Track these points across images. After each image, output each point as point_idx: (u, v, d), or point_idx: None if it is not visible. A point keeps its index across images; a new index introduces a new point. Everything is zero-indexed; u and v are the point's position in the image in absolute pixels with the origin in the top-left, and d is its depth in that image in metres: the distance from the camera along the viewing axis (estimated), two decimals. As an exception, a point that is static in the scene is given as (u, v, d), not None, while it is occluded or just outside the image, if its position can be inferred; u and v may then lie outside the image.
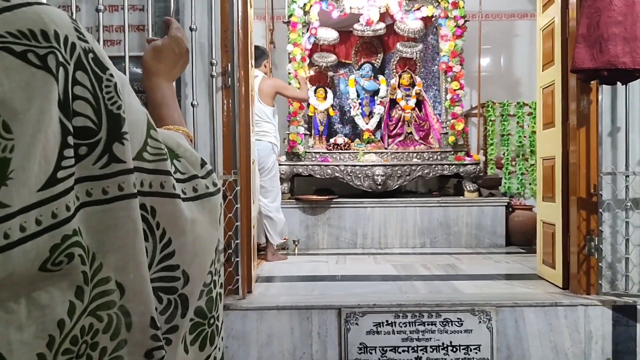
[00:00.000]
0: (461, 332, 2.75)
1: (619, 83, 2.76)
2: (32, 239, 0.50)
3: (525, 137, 5.61)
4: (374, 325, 2.75)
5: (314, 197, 4.90)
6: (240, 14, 2.86)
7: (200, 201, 0.73)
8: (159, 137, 0.68)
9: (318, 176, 5.04)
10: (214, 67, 2.77)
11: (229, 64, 2.85)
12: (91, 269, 0.56)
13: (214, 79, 2.79)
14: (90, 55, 0.57)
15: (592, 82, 2.83)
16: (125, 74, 2.29)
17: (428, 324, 2.75)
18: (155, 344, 0.61)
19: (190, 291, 0.69)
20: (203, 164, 0.78)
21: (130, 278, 0.59)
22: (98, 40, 2.29)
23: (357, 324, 2.75)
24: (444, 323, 2.76)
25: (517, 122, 5.64)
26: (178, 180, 0.70)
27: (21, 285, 0.50)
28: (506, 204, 4.96)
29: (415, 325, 2.75)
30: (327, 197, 4.88)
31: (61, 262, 0.52)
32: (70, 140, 0.54)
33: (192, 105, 2.69)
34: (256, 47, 4.28)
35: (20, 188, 0.49)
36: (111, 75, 0.59)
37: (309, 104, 5.30)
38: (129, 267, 0.59)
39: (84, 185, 0.56)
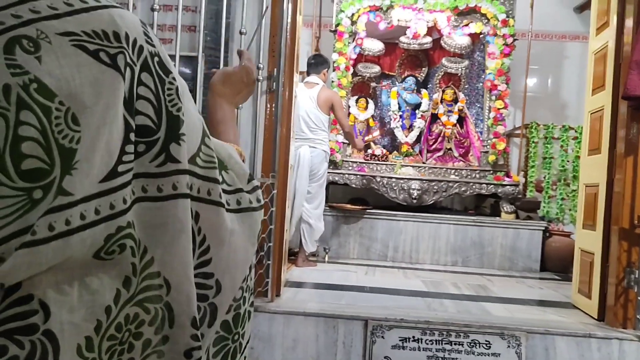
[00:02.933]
0: (489, 355, 2.69)
1: (672, 113, 2.68)
2: (90, 227, 0.52)
3: (568, 161, 5.47)
4: (400, 340, 2.73)
5: (348, 206, 4.89)
6: (289, 20, 2.89)
7: (242, 214, 0.74)
8: (212, 145, 0.70)
9: (354, 185, 5.04)
10: (260, 71, 2.81)
11: (275, 69, 2.88)
12: (141, 262, 0.58)
13: (259, 83, 2.82)
14: (156, 58, 0.60)
15: (643, 110, 2.75)
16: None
17: (455, 344, 2.71)
18: (195, 344, 0.62)
19: (220, 302, 0.69)
20: (250, 179, 0.79)
21: (176, 276, 0.61)
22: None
23: (383, 337, 2.73)
24: (472, 344, 2.71)
25: (561, 146, 5.51)
26: (224, 191, 0.71)
27: (75, 270, 0.53)
28: (544, 228, 4.85)
29: (442, 344, 2.71)
30: (361, 207, 4.87)
31: (113, 251, 0.55)
32: (132, 136, 0.57)
33: (237, 107, 2.72)
34: (319, 55, 4.34)
35: (84, 178, 0.51)
36: (173, 78, 0.62)
37: (349, 113, 5.32)
38: (176, 265, 0.60)
39: (140, 181, 0.58)
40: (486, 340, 2.70)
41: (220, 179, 0.71)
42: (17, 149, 0.48)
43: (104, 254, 0.54)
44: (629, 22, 2.88)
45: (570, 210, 5.38)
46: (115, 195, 0.54)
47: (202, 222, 0.66)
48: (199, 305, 0.66)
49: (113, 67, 0.54)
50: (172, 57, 2.38)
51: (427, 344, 2.72)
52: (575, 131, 5.44)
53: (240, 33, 2.70)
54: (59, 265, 0.51)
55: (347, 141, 5.10)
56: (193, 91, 2.56)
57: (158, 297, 0.60)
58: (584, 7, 6.01)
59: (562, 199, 5.43)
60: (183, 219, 0.61)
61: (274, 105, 2.91)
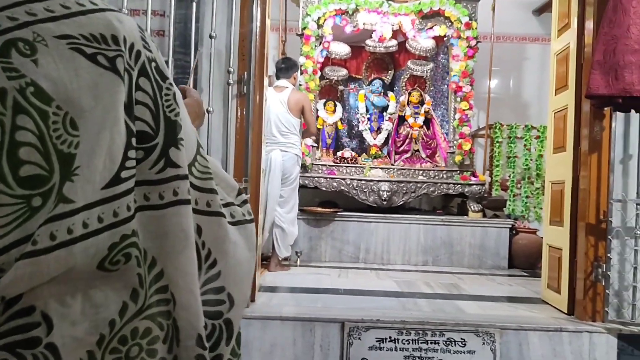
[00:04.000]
0: (464, 353, 2.73)
1: (632, 111, 2.77)
2: (93, 235, 0.50)
3: (531, 160, 5.62)
4: (376, 341, 2.74)
5: (319, 209, 4.89)
6: (258, 24, 2.88)
7: (238, 227, 0.73)
8: (206, 157, 0.68)
9: (324, 189, 5.04)
10: (230, 74, 2.79)
11: (245, 73, 2.87)
12: (150, 273, 0.56)
13: (230, 87, 2.80)
14: (154, 64, 0.59)
15: (606, 108, 2.84)
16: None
17: (431, 343, 2.74)
18: None
19: (234, 316, 0.67)
20: (239, 193, 0.78)
21: (180, 291, 0.58)
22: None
23: (359, 338, 2.74)
24: (448, 342, 2.74)
25: (524, 145, 5.66)
26: None
27: (79, 282, 0.51)
28: (510, 226, 4.96)
29: (418, 343, 2.73)
30: (332, 210, 4.88)
31: (118, 261, 0.53)
32: (134, 142, 0.55)
33: (208, 111, 2.69)
34: (287, 59, 4.33)
35: (85, 185, 0.50)
36: (171, 84, 0.61)
37: (317, 117, 5.33)
38: (180, 279, 0.58)
39: (142, 188, 0.56)
40: (461, 338, 2.74)
41: (218, 189, 0.69)
42: (15, 154, 0.46)
43: (109, 264, 0.52)
44: (590, 24, 2.97)
45: (534, 207, 5.52)
46: (119, 202, 0.53)
47: (205, 236, 0.64)
48: (214, 323, 0.63)
49: (112, 70, 0.53)
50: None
51: (404, 343, 2.74)
52: (538, 130, 5.60)
53: (210, 37, 2.68)
54: (61, 276, 0.49)
55: (315, 144, 5.13)
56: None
57: (167, 313, 0.57)
58: (542, 10, 6.20)
59: (527, 196, 5.57)
60: (186, 227, 0.59)
61: (245, 109, 2.89)
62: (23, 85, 0.47)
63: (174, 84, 0.61)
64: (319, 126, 5.39)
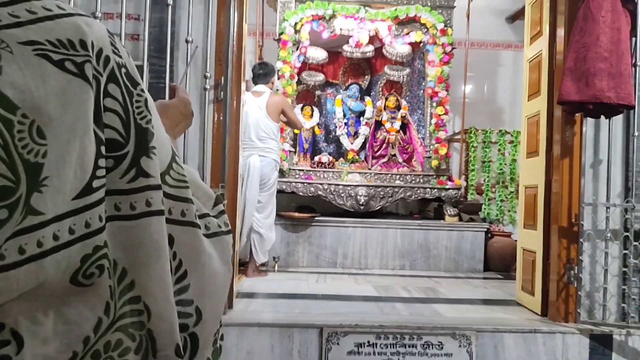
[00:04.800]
0: (442, 356, 2.75)
1: (602, 117, 2.84)
2: (64, 247, 0.49)
3: (505, 164, 5.71)
4: (355, 346, 2.74)
5: (296, 214, 4.89)
6: (235, 28, 2.87)
7: (213, 239, 0.71)
8: (182, 165, 0.67)
9: (301, 193, 5.04)
10: (207, 80, 2.78)
11: (222, 78, 2.85)
12: (120, 284, 0.55)
13: (206, 92, 2.78)
14: (124, 69, 0.57)
15: (577, 114, 2.90)
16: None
17: (409, 346, 2.75)
18: None
19: (201, 330, 0.65)
20: (216, 203, 0.77)
21: (156, 301, 0.57)
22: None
23: (338, 343, 2.74)
24: (425, 346, 2.76)
25: (499, 150, 5.75)
26: None
27: (52, 298, 0.49)
28: (485, 229, 5.02)
29: (396, 347, 2.75)
30: (309, 214, 4.88)
31: (92, 274, 0.51)
32: (103, 150, 0.53)
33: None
34: (265, 64, 4.33)
35: (55, 195, 0.48)
36: (142, 90, 0.59)
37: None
38: (155, 289, 0.57)
39: (112, 198, 0.55)
40: (439, 341, 2.76)
41: (194, 200, 0.67)
42: None
43: (82, 277, 0.50)
44: (561, 32, 3.04)
45: (509, 211, 5.60)
46: (91, 213, 0.51)
47: (177, 246, 0.62)
48: (179, 335, 0.62)
49: (80, 76, 0.51)
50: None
51: (382, 347, 2.75)
52: (511, 135, 5.69)
53: (186, 42, 2.67)
54: (33, 292, 0.48)
55: (292, 149, 5.15)
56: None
57: (140, 324, 0.56)
58: (515, 18, 6.32)
59: (501, 200, 5.65)
60: (159, 238, 0.57)
61: (221, 114, 2.87)
62: None
63: (145, 90, 0.60)
64: (295, 131, 5.39)
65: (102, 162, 0.53)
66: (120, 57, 0.57)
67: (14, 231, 0.45)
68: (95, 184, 0.52)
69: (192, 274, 0.64)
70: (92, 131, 0.52)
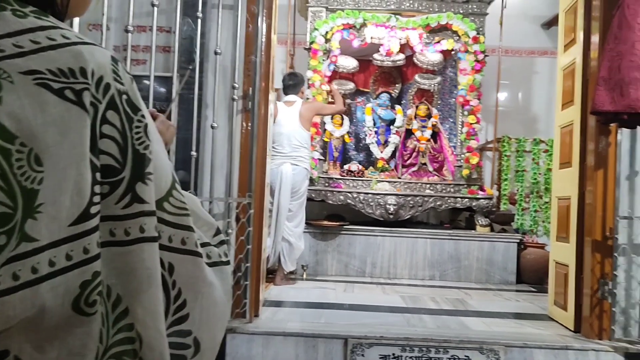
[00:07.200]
0: (469, 370, 2.70)
1: (638, 127, 2.75)
2: (61, 274, 0.49)
3: (540, 174, 5.58)
4: (380, 358, 2.72)
5: (325, 222, 4.89)
6: (264, 39, 2.90)
7: (214, 268, 0.70)
8: (183, 193, 0.66)
9: (330, 202, 5.04)
10: (235, 90, 2.81)
11: (251, 88, 2.88)
12: (114, 311, 0.55)
13: (234, 102, 2.82)
14: (124, 96, 0.58)
15: (611, 124, 2.82)
16: (149, 92, 2.33)
17: (435, 360, 2.71)
18: None
19: None
20: (217, 233, 0.77)
21: (147, 330, 0.57)
22: (125, 60, 2.34)
23: (363, 355, 2.72)
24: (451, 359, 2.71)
25: (533, 159, 5.63)
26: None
27: (58, 328, 0.50)
28: (518, 240, 4.91)
29: (422, 360, 2.71)
30: (338, 223, 4.87)
31: (95, 301, 0.52)
32: (98, 176, 0.54)
33: (212, 127, 2.72)
34: (294, 74, 4.39)
35: (50, 222, 0.49)
36: (142, 116, 0.59)
37: (325, 130, 5.35)
38: (146, 317, 0.57)
39: (107, 224, 0.55)
40: (465, 356, 2.71)
41: (195, 228, 0.67)
42: None
43: (84, 304, 0.51)
44: (595, 39, 2.96)
45: (543, 222, 5.48)
46: (90, 239, 0.52)
47: (177, 275, 0.62)
48: None
49: (78, 104, 0.52)
50: (147, 77, 2.36)
51: (408, 360, 2.72)
52: (546, 144, 5.56)
53: (215, 53, 2.71)
54: (37, 321, 0.48)
55: (322, 157, 5.16)
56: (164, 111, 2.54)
57: (133, 352, 0.56)
58: (551, 24, 6.18)
59: (535, 210, 5.52)
60: (151, 265, 0.57)
61: (249, 124, 2.90)
62: None
63: (147, 115, 0.61)
64: (325, 139, 5.40)
65: (97, 189, 0.54)
66: (122, 84, 0.58)
67: (9, 257, 0.46)
68: (93, 210, 0.53)
69: (191, 304, 0.64)
70: (88, 158, 0.53)
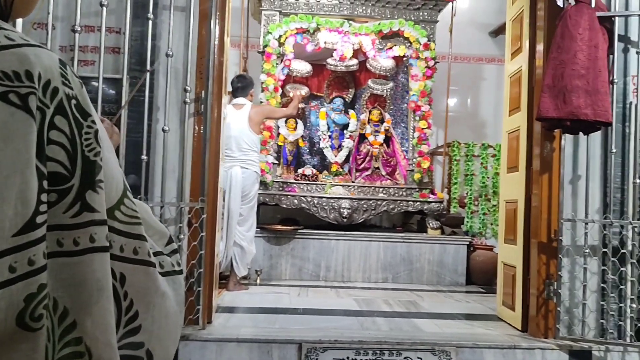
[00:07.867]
0: (421, 372, 2.74)
1: (581, 133, 2.87)
2: (4, 286, 0.47)
3: (488, 178, 5.75)
4: (334, 362, 2.72)
5: (279, 226, 4.87)
6: (217, 42, 2.86)
7: (167, 278, 0.69)
8: (135, 202, 0.65)
9: (284, 206, 5.02)
10: (187, 93, 2.76)
11: (203, 91, 2.84)
12: (61, 325, 0.52)
13: (186, 105, 2.77)
14: (73, 101, 0.56)
15: (556, 130, 2.93)
16: (98, 94, 2.26)
17: (389, 362, 2.74)
18: None
19: None
20: (169, 241, 0.75)
21: (97, 343, 0.54)
22: (72, 60, 2.26)
23: (317, 359, 2.72)
24: (405, 362, 2.75)
25: (481, 163, 5.79)
26: None
27: (0, 345, 0.47)
28: (468, 243, 5.03)
29: (376, 363, 2.73)
30: (292, 227, 4.86)
31: (41, 316, 0.49)
32: (45, 184, 0.52)
33: (163, 130, 2.67)
34: (243, 77, 4.35)
35: None
36: (93, 122, 0.57)
37: (278, 134, 5.34)
38: (96, 330, 0.54)
39: (54, 233, 0.53)
40: (418, 357, 2.75)
41: (147, 237, 0.65)
42: None
43: (30, 319, 0.48)
44: (540, 47, 3.07)
45: (491, 224, 5.63)
46: (35, 249, 0.49)
47: (128, 286, 0.60)
48: None
49: (23, 108, 0.50)
50: (96, 78, 2.29)
51: (362, 364, 2.73)
52: (494, 149, 5.73)
53: (167, 55, 2.65)
54: None
55: (276, 162, 5.14)
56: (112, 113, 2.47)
57: None
58: (498, 32, 6.38)
59: (484, 213, 5.68)
60: (101, 276, 0.55)
61: (202, 127, 2.86)
62: None
63: (97, 121, 0.58)
64: (279, 143, 5.38)
65: (44, 197, 0.51)
66: (71, 88, 0.56)
67: None
68: (39, 219, 0.50)
69: (143, 315, 0.62)
70: (34, 165, 0.50)
